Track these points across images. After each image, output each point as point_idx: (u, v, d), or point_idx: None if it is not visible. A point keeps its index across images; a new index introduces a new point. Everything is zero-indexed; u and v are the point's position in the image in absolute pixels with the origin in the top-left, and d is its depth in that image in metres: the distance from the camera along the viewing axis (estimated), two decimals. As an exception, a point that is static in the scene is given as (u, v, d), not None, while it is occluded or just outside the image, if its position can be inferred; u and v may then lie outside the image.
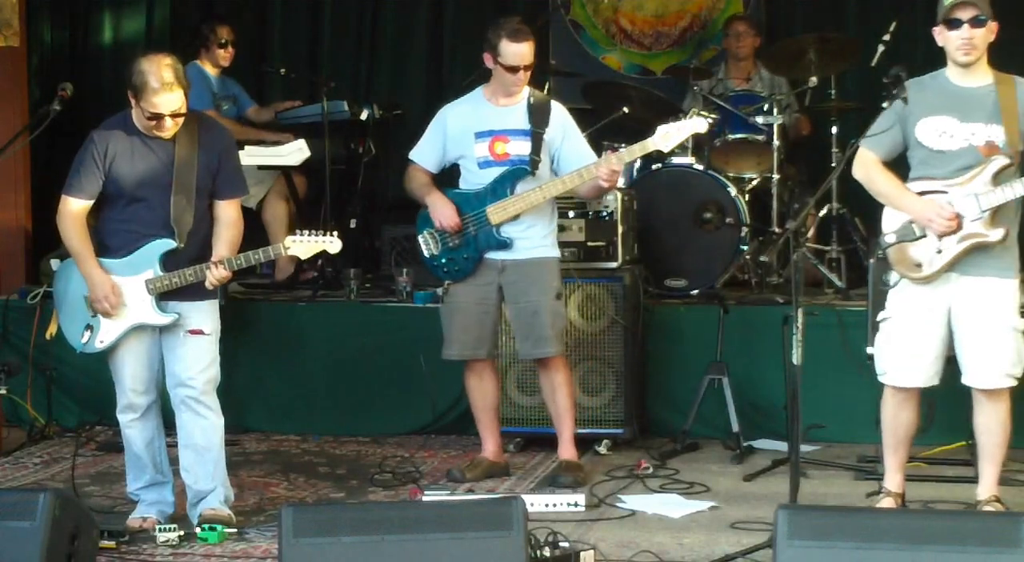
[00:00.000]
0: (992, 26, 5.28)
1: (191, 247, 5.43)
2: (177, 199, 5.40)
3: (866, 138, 5.36)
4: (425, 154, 6.35)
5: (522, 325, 6.29)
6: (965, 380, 5.34)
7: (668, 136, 6.11)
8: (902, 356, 5.36)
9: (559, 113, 6.31)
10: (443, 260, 6.28)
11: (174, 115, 5.33)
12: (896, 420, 5.46)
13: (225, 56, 8.33)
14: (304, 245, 5.52)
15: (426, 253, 6.32)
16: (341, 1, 9.60)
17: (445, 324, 6.37)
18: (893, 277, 5.40)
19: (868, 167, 5.41)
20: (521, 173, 6.18)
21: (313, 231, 5.55)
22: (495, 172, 6.21)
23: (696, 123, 6.16)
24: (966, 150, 5.27)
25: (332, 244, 5.54)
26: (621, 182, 6.88)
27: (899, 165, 5.44)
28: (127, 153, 5.41)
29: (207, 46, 8.27)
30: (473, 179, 6.26)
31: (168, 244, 5.41)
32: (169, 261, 5.42)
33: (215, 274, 5.37)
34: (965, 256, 5.26)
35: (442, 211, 6.21)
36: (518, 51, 6.13)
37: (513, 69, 6.14)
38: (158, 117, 5.32)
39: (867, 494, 5.67)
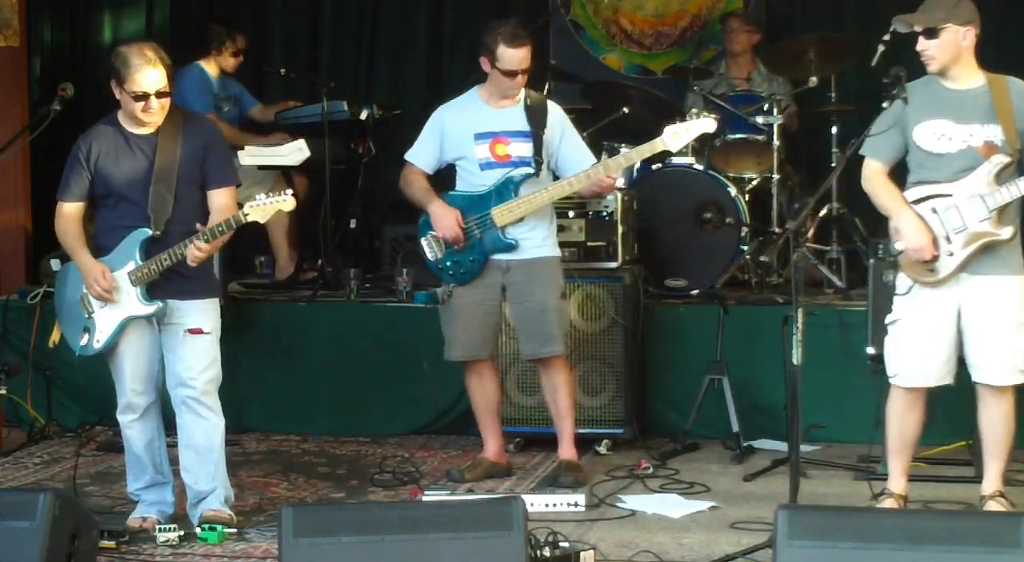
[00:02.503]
0: (955, 31, 5.28)
1: (173, 236, 5.38)
2: (156, 188, 5.39)
3: (867, 146, 5.41)
4: (422, 155, 6.34)
5: (528, 324, 6.28)
6: (976, 377, 5.36)
7: (676, 136, 6.09)
8: (913, 358, 5.38)
9: (556, 114, 6.31)
10: (448, 263, 6.25)
11: (159, 94, 5.33)
12: (903, 423, 5.47)
13: (234, 63, 8.31)
14: (261, 208, 5.38)
15: (430, 257, 6.29)
16: (341, 1, 9.60)
17: (446, 326, 6.36)
18: (903, 283, 5.42)
19: (872, 179, 5.45)
20: (525, 175, 6.18)
21: (269, 193, 5.44)
22: (497, 173, 6.20)
23: (704, 123, 6.14)
24: (964, 152, 5.30)
25: (286, 202, 5.43)
26: (621, 182, 6.88)
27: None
28: (112, 152, 5.43)
29: (219, 49, 8.24)
30: (473, 180, 6.25)
31: (144, 233, 5.39)
32: (151, 251, 5.40)
33: (192, 251, 5.29)
34: (976, 257, 5.29)
35: (444, 221, 6.18)
36: (516, 56, 6.12)
37: (511, 74, 6.14)
38: (144, 97, 5.32)
39: (872, 496, 5.66)
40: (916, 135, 5.33)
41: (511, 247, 6.19)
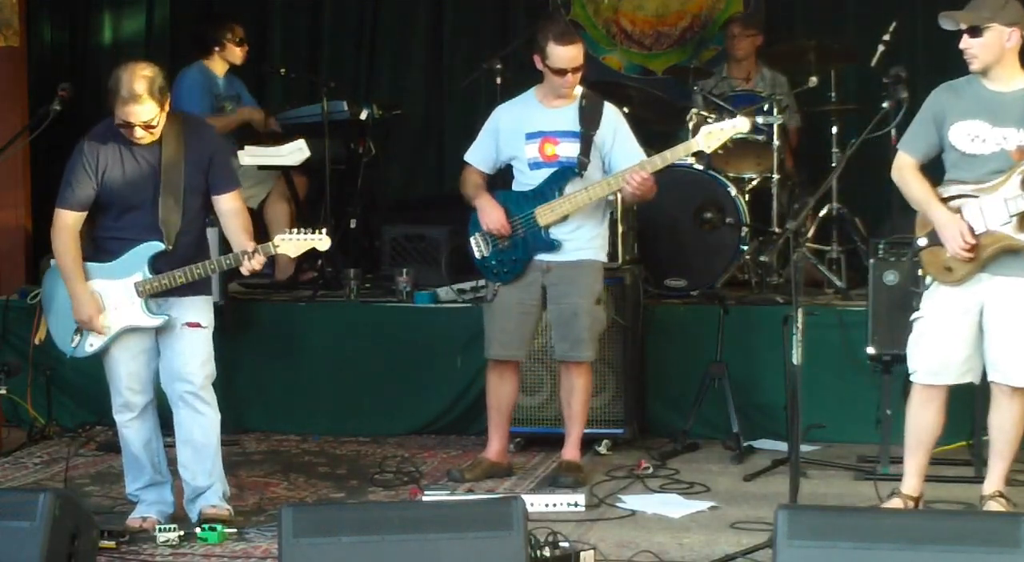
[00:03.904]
0: (1000, 31, 5.22)
1: (181, 249, 5.41)
2: (165, 200, 5.39)
3: (902, 141, 5.41)
4: (479, 155, 6.35)
5: (561, 326, 6.28)
6: (992, 377, 5.35)
7: (711, 136, 6.09)
8: (932, 355, 5.37)
9: (611, 114, 6.28)
10: (493, 262, 6.26)
11: (145, 126, 5.32)
12: (917, 419, 5.46)
13: (241, 54, 8.28)
14: (293, 243, 5.46)
15: (477, 255, 6.31)
16: (341, 1, 9.60)
17: (487, 324, 6.35)
18: (927, 280, 5.42)
19: (903, 171, 5.42)
20: (569, 174, 6.16)
21: (303, 229, 5.51)
22: (545, 173, 6.19)
23: (739, 122, 6.14)
24: (997, 154, 5.26)
25: (321, 241, 5.49)
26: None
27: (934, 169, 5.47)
28: (117, 161, 5.41)
29: (222, 45, 8.21)
30: (524, 180, 6.26)
31: (156, 247, 5.39)
32: (159, 263, 5.41)
33: (247, 265, 5.35)
34: (995, 258, 5.27)
35: (490, 215, 6.19)
36: (566, 54, 6.12)
37: (561, 72, 6.13)
38: (128, 126, 5.32)
39: (879, 498, 5.65)
40: (951, 134, 5.30)
41: (553, 247, 6.18)
